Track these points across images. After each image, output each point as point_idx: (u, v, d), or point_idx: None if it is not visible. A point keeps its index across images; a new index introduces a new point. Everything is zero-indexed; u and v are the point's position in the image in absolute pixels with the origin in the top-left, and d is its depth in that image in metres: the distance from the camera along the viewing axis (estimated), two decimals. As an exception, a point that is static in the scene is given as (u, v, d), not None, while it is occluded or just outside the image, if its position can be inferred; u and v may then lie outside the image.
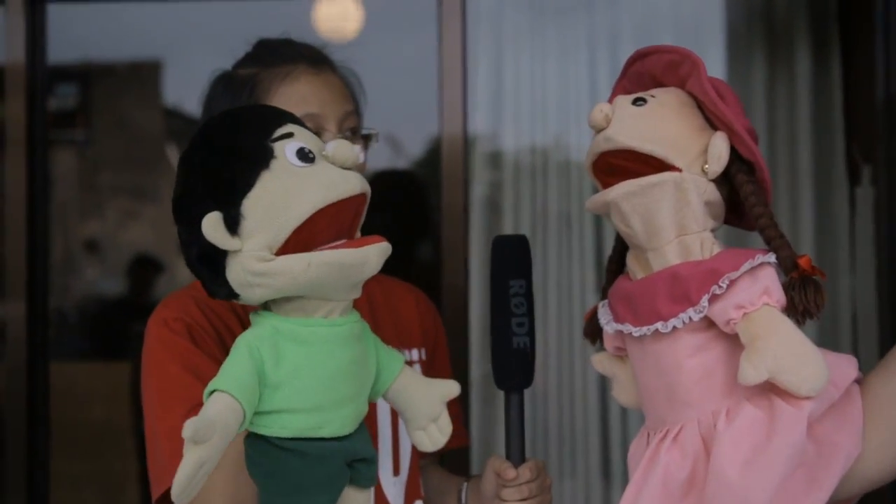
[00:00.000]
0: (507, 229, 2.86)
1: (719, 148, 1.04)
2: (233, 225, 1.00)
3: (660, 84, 1.11)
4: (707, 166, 1.04)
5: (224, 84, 1.44)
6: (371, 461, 1.10)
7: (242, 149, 1.03)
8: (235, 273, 1.02)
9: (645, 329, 1.07)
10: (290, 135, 1.04)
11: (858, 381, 1.10)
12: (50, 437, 2.54)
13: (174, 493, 0.93)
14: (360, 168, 1.42)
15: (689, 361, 1.06)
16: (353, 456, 1.07)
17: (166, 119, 4.29)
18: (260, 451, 1.04)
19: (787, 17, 2.82)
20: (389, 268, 1.67)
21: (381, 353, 1.15)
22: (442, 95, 2.43)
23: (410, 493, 1.44)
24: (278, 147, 1.03)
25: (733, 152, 1.05)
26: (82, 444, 3.44)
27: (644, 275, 1.08)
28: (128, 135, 4.14)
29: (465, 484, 1.46)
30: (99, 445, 3.46)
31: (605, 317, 1.14)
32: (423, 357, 1.51)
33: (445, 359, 1.59)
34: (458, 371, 2.31)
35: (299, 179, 1.01)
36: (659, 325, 1.05)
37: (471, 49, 2.64)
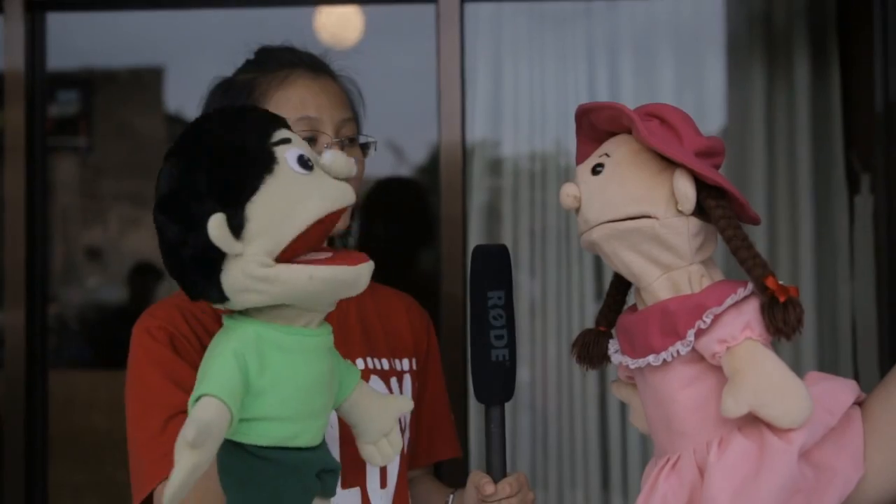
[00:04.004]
0: (507, 237, 2.86)
1: (683, 188, 1.05)
2: (237, 228, 0.98)
3: (611, 132, 1.13)
4: (679, 206, 1.06)
5: (223, 90, 1.45)
6: (336, 472, 1.10)
7: (247, 150, 1.01)
8: (234, 277, 1.00)
9: (640, 361, 1.09)
10: (288, 140, 1.04)
11: (861, 402, 1.10)
12: (48, 446, 2.53)
13: (167, 497, 0.92)
14: (357, 176, 1.42)
15: (683, 393, 1.08)
16: (322, 466, 1.07)
17: (168, 126, 4.30)
18: (236, 459, 1.03)
19: (786, 24, 2.84)
20: (388, 275, 1.68)
21: (341, 366, 1.15)
22: (440, 103, 2.44)
23: (398, 505, 1.44)
24: (279, 152, 1.02)
25: (700, 180, 1.06)
26: (82, 453, 3.44)
27: (643, 308, 1.11)
28: (130, 142, 4.14)
29: (451, 496, 1.46)
30: (99, 454, 3.46)
31: (613, 346, 1.17)
32: (415, 367, 1.52)
33: (438, 367, 1.59)
34: (456, 380, 2.31)
35: (302, 187, 1.01)
36: (651, 357, 1.08)
37: (469, 57, 2.66)
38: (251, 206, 0.98)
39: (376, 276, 1.59)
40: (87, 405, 3.44)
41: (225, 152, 1.01)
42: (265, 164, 1.00)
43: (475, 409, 2.65)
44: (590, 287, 2.85)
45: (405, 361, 1.50)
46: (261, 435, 1.02)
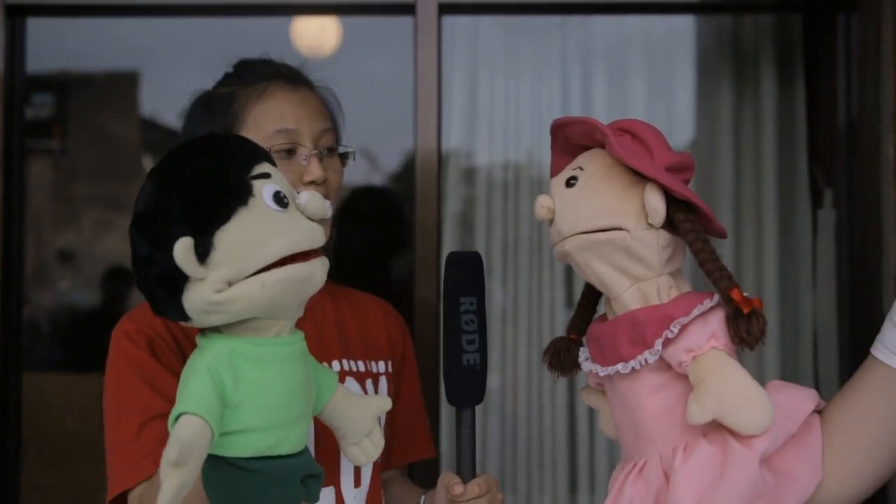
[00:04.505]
0: (480, 245, 2.87)
1: (654, 202, 1.07)
2: (203, 253, 1.00)
3: (585, 146, 1.16)
4: (650, 219, 1.08)
5: (203, 103, 1.46)
6: (319, 477, 1.12)
7: (224, 181, 1.03)
8: (193, 301, 1.02)
9: (609, 369, 1.11)
10: (267, 175, 1.05)
11: (820, 410, 1.14)
12: (21, 448, 2.51)
13: None
14: (336, 185, 1.45)
15: (651, 400, 1.10)
16: (306, 472, 1.09)
17: (142, 130, 4.29)
18: (220, 473, 1.05)
19: (753, 43, 2.87)
20: (364, 281, 1.70)
21: (318, 372, 1.16)
22: (417, 113, 2.45)
23: (371, 504, 1.46)
24: (256, 186, 1.03)
25: (670, 195, 1.08)
26: (53, 456, 3.42)
27: (612, 317, 1.13)
28: (104, 145, 4.12)
29: (423, 496, 1.48)
30: (70, 457, 3.44)
31: (584, 354, 1.19)
32: (390, 369, 1.54)
33: (413, 370, 1.62)
34: (429, 384, 2.32)
35: (273, 224, 1.02)
36: (620, 366, 1.10)
37: (446, 68, 2.66)
38: (220, 235, 1.00)
39: (352, 283, 1.62)
40: (58, 408, 3.42)
41: (202, 178, 1.02)
42: (240, 195, 1.02)
43: (447, 412, 2.65)
44: (560, 295, 2.86)
45: (381, 364, 1.52)
46: (243, 447, 1.04)
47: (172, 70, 3.92)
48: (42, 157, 4.17)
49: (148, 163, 4.07)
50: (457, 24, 2.84)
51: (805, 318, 2.79)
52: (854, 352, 2.54)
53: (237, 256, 1.00)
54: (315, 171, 1.39)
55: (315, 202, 1.06)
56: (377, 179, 3.89)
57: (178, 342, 1.35)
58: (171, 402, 1.04)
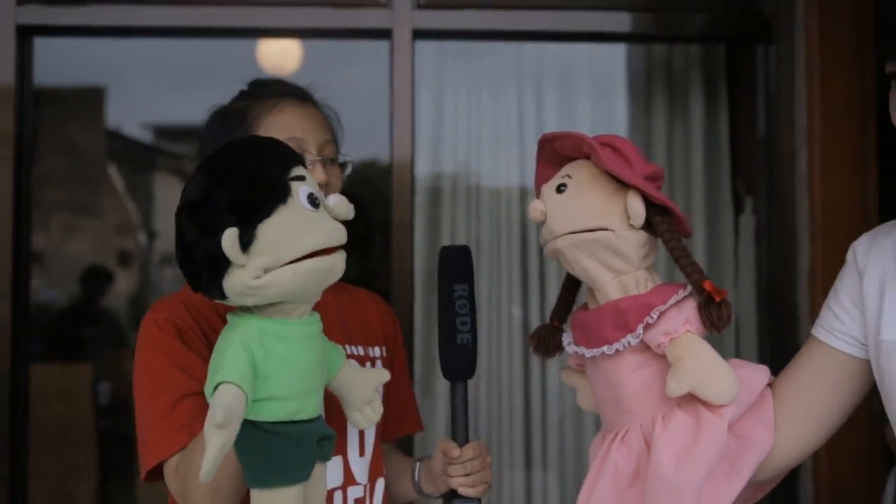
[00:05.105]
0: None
1: (636, 206, 1.15)
2: (245, 243, 1.08)
3: (571, 157, 1.24)
4: (632, 221, 1.17)
5: (220, 117, 1.57)
6: (332, 439, 1.20)
7: (267, 180, 1.11)
8: (233, 284, 1.09)
9: (595, 351, 1.20)
10: (302, 178, 1.14)
11: (771, 385, 1.25)
12: (29, 434, 2.56)
13: (204, 473, 1.02)
14: (336, 189, 1.58)
15: (632, 377, 1.18)
16: (321, 434, 1.18)
17: (107, 141, 4.30)
18: (249, 434, 1.12)
19: (683, 69, 2.99)
20: (348, 276, 1.86)
21: (329, 348, 1.24)
22: (393, 126, 2.57)
23: (374, 471, 1.56)
24: (294, 187, 1.12)
25: (647, 200, 1.17)
26: (43, 441, 3.50)
27: (595, 306, 1.23)
28: (71, 154, 4.15)
29: (418, 463, 1.59)
30: (59, 441, 3.49)
31: (567, 338, 1.28)
32: (385, 354, 1.64)
33: (403, 356, 1.74)
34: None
35: (308, 221, 1.11)
36: (605, 347, 1.18)
37: (417, 87, 2.73)
38: (262, 228, 1.08)
39: (349, 278, 1.79)
40: (41, 397, 3.49)
41: (249, 176, 1.10)
42: (281, 194, 1.10)
43: (418, 392, 2.75)
44: (516, 291, 2.95)
45: (377, 349, 1.62)
46: (270, 412, 1.12)
47: (136, 85, 3.98)
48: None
49: (113, 171, 4.15)
50: (426, 50, 2.92)
51: (728, 312, 3.00)
52: (772, 339, 2.74)
53: (275, 248, 1.08)
54: (319, 175, 1.48)
55: (342, 205, 1.17)
56: (354, 188, 3.94)
57: (203, 331, 1.42)
58: (201, 382, 1.13)
